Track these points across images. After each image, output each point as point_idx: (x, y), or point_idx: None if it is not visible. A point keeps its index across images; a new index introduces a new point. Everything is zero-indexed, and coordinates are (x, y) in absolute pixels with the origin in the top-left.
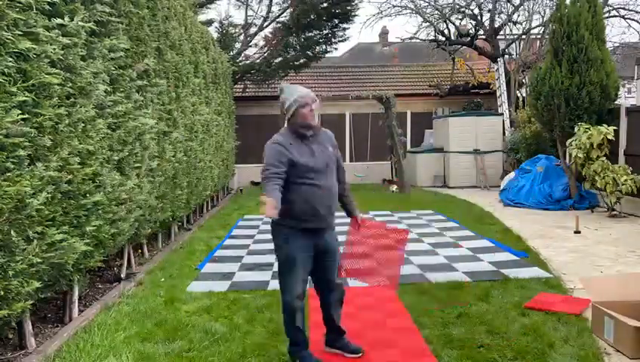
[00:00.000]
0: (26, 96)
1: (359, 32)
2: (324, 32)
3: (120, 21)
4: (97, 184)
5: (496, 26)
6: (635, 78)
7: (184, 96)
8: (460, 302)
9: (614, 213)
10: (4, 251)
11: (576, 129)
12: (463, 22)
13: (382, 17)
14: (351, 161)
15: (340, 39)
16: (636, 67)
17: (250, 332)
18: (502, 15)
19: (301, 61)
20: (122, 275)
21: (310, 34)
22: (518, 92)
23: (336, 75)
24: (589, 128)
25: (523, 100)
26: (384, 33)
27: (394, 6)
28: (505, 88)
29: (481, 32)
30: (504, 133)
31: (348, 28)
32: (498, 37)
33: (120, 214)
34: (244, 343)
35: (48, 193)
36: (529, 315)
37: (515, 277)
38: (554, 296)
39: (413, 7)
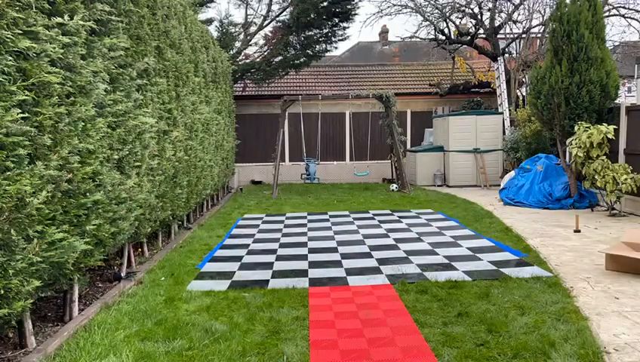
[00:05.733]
0: (26, 95)
1: (359, 31)
2: (324, 30)
3: (120, 20)
4: (97, 183)
5: (496, 24)
6: (635, 76)
7: (184, 95)
8: (460, 301)
9: (614, 211)
10: (5, 250)
11: (576, 128)
12: (463, 21)
13: (382, 16)
14: (351, 160)
15: (340, 38)
16: (636, 66)
17: (250, 331)
18: (502, 14)
19: (301, 60)
20: (122, 274)
21: (310, 33)
22: (518, 91)
23: (336, 74)
24: (589, 127)
25: (523, 99)
26: (384, 32)
27: (394, 5)
28: (505, 87)
29: (481, 30)
30: (504, 132)
31: (348, 27)
32: (498, 36)
33: (120, 213)
34: (244, 342)
35: (48, 192)
36: (529, 314)
37: (514, 276)
38: None
39: (413, 5)
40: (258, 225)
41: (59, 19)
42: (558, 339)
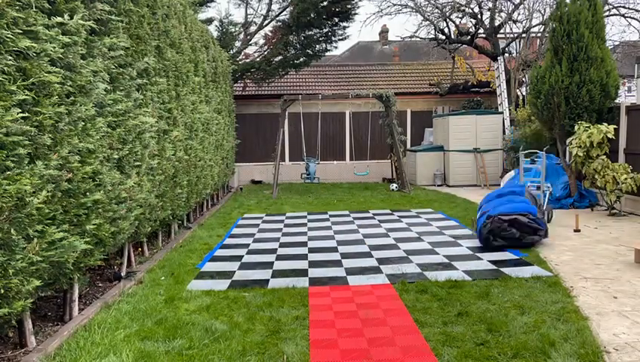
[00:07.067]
0: (26, 95)
1: (359, 31)
2: (324, 30)
3: (120, 19)
4: (97, 182)
5: (496, 24)
6: (635, 76)
7: (184, 95)
8: (460, 300)
9: (614, 211)
10: (5, 249)
11: (576, 127)
12: (463, 20)
13: (382, 16)
14: (351, 159)
15: (340, 38)
16: (636, 65)
17: (250, 330)
18: (502, 13)
19: (301, 60)
20: (122, 274)
21: (310, 32)
22: (518, 90)
23: (336, 73)
24: (589, 127)
25: (523, 99)
26: (384, 32)
27: (394, 4)
28: (505, 87)
29: (481, 30)
30: (504, 132)
31: (348, 26)
32: (498, 35)
33: (120, 212)
34: (244, 341)
35: (48, 191)
36: (529, 314)
37: (514, 275)
38: None
39: (413, 5)
40: (258, 225)
41: (59, 19)
42: (558, 339)
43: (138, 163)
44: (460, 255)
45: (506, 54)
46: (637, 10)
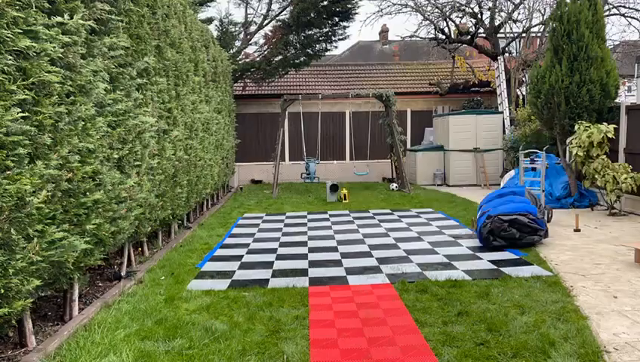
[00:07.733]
0: (26, 95)
1: (359, 31)
2: (324, 30)
3: (120, 19)
4: (97, 182)
5: (496, 24)
6: (635, 76)
7: (184, 95)
8: (460, 300)
9: (614, 211)
10: (5, 249)
11: (576, 127)
12: (463, 20)
13: (382, 15)
14: (351, 158)
15: (340, 37)
16: (636, 65)
17: (250, 330)
18: (502, 13)
19: (301, 59)
20: (122, 273)
21: (310, 32)
22: (518, 90)
23: (336, 73)
24: (589, 126)
25: (523, 98)
26: (384, 31)
27: (394, 4)
28: (505, 86)
29: (481, 30)
30: (504, 132)
31: (348, 26)
32: (498, 35)
33: (120, 212)
34: (244, 341)
35: (48, 191)
36: (529, 313)
37: (514, 275)
38: None
39: (413, 5)
40: (258, 225)
41: (59, 19)
42: (557, 338)
43: (138, 162)
44: (460, 254)
45: (506, 54)
46: (637, 10)
